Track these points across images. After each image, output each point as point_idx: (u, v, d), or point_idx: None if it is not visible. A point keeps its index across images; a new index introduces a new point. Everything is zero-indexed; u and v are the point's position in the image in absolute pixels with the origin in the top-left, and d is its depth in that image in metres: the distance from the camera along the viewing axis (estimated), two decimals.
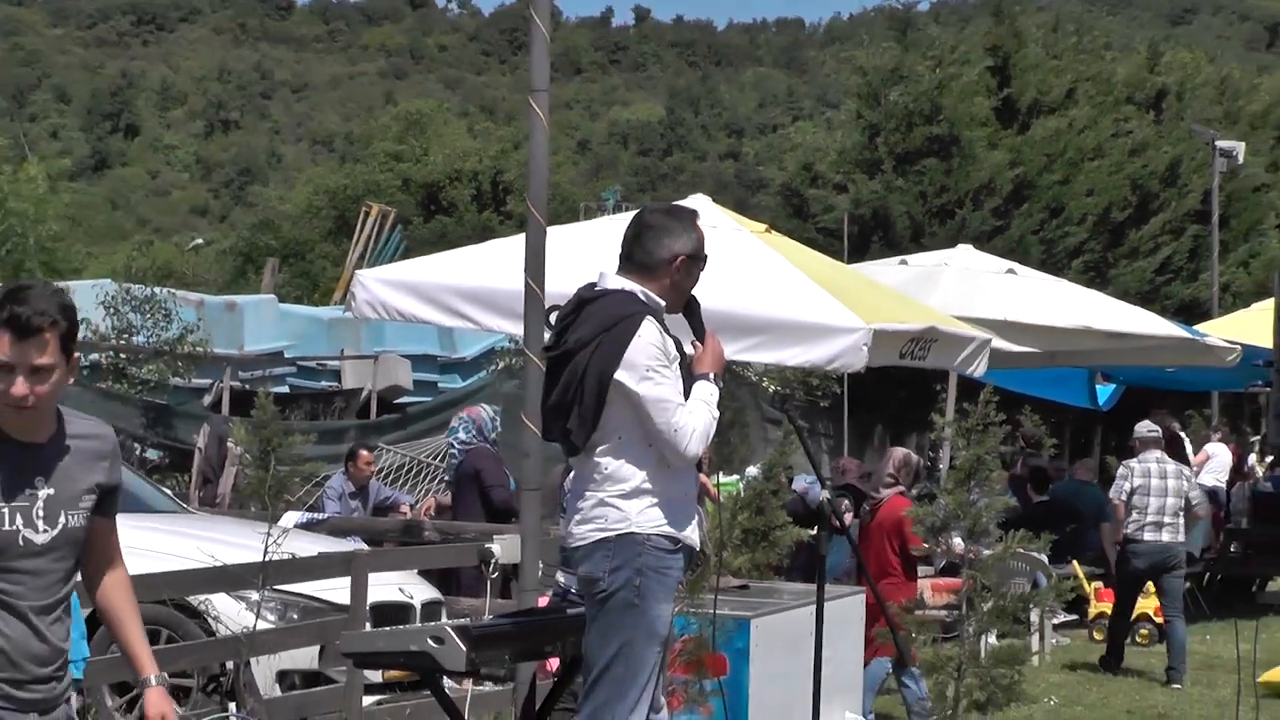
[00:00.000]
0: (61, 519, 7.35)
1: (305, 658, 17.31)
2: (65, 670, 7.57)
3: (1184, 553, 26.66)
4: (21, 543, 7.27)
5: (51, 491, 7.34)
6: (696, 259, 10.01)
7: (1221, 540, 32.08)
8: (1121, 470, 27.04)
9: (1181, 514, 26.18)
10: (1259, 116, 67.02)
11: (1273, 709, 15.42)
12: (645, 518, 9.55)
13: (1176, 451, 32.97)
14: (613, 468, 9.71)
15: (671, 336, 9.75)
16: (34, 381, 7.29)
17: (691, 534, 9.86)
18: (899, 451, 22.26)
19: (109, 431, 7.96)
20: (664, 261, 9.84)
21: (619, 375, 9.61)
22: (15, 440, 7.38)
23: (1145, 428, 27.67)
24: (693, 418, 9.60)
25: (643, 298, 9.78)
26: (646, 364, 9.55)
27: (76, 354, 7.62)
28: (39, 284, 7.54)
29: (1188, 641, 26.07)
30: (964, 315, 24.76)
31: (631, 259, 9.85)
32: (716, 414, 9.72)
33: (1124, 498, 26.30)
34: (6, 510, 7.24)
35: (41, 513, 7.28)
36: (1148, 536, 25.72)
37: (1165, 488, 26.15)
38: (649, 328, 9.65)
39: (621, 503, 9.61)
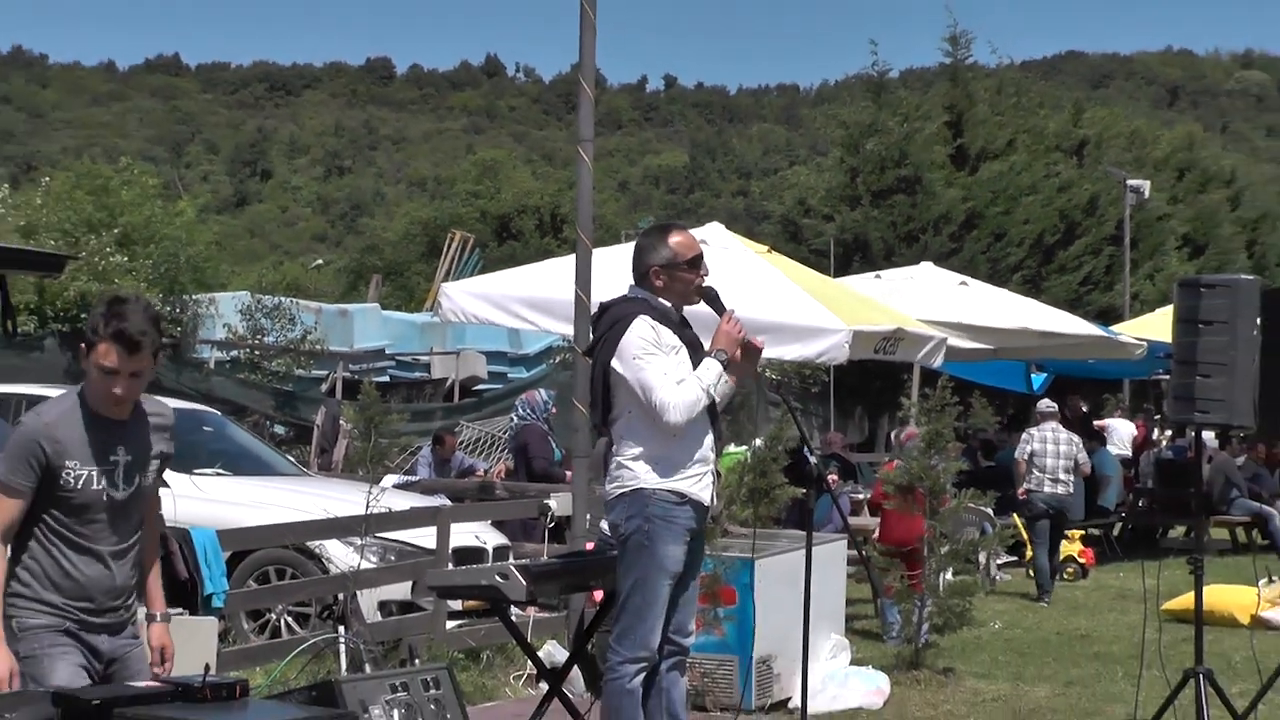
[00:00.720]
0: (136, 479, 7.81)
1: (400, 591, 17.34)
2: (132, 599, 7.90)
3: (1071, 502, 27.14)
4: (105, 499, 7.65)
5: (130, 458, 7.75)
6: (673, 265, 9.93)
7: (1131, 498, 32.13)
8: (1024, 436, 27.49)
9: (1071, 472, 26.71)
10: (1161, 161, 66.81)
11: (1170, 630, 15.42)
12: (651, 477, 9.56)
13: (1086, 426, 33.15)
14: (626, 437, 9.77)
15: (681, 331, 9.79)
16: (131, 384, 7.72)
17: (697, 489, 9.80)
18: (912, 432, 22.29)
19: (170, 410, 8.44)
20: (646, 272, 9.87)
21: (614, 364, 9.67)
22: (104, 417, 7.75)
23: (1044, 405, 28.31)
24: (676, 394, 9.55)
25: (647, 300, 9.83)
26: (634, 353, 9.55)
27: (160, 352, 8.02)
28: (135, 299, 7.84)
29: (1098, 576, 26.34)
30: (925, 319, 24.78)
31: (635, 269, 9.93)
32: (712, 385, 9.63)
33: (1025, 458, 26.79)
34: (95, 472, 7.63)
35: (122, 475, 7.69)
36: (1045, 490, 26.23)
37: (1058, 451, 26.66)
38: (640, 324, 9.65)
39: (633, 464, 9.65)
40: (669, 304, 9.82)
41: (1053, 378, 36.49)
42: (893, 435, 22.92)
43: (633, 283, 9.97)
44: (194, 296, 41.45)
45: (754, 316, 18.70)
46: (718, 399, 9.77)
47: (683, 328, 9.80)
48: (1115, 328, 34.20)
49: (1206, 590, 14.16)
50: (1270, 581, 22.06)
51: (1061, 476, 26.71)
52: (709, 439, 9.86)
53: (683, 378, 9.58)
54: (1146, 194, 57.48)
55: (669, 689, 9.88)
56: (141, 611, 7.97)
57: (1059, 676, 17.89)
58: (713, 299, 9.94)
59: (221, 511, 17.25)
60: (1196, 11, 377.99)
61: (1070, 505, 27.26)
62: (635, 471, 9.72)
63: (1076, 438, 27.58)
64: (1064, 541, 27.13)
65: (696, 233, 11.23)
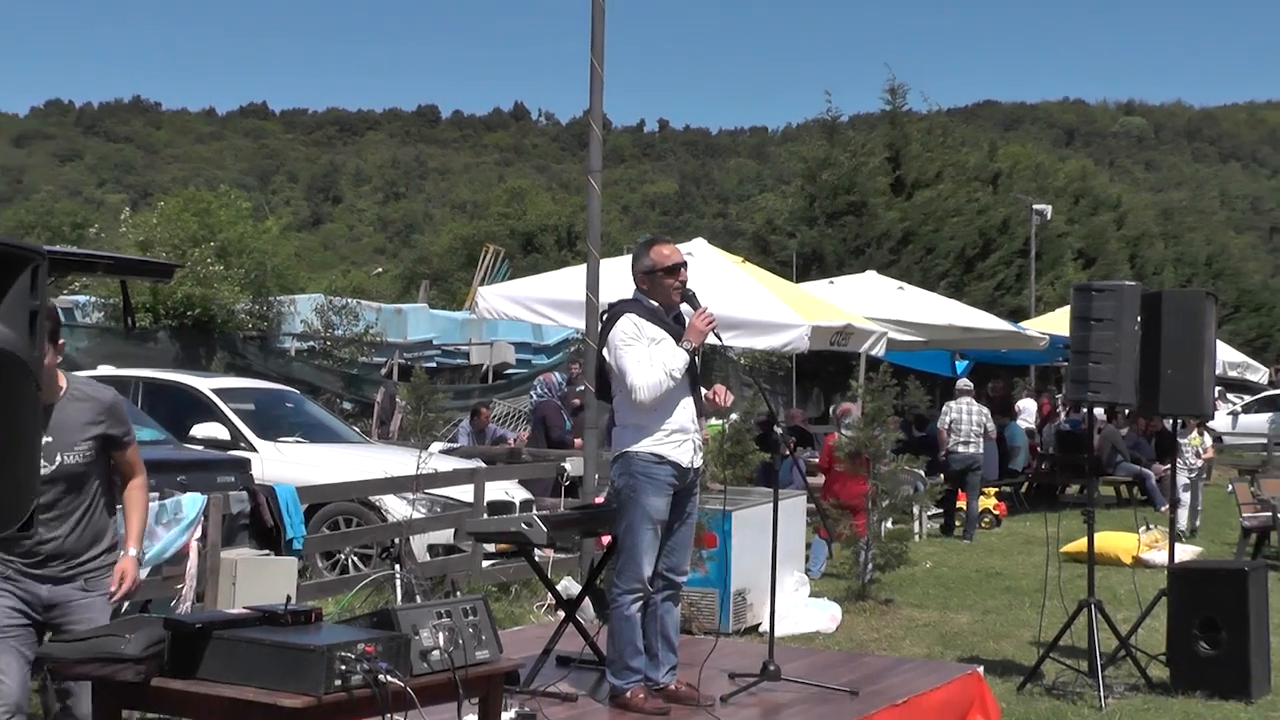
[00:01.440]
0: (58, 459, 7.27)
1: (444, 536, 17.37)
2: (83, 559, 7.48)
3: (983, 460, 27.49)
4: None
5: (50, 439, 7.19)
6: (657, 269, 9.87)
7: (1036, 462, 32.13)
8: (944, 409, 28.13)
9: (980, 437, 27.10)
10: (1060, 189, 66.91)
11: (1067, 568, 15.46)
12: (637, 442, 9.55)
13: (1004, 405, 33.20)
14: (619, 411, 9.78)
15: (664, 324, 9.77)
16: None
17: (675, 453, 9.72)
18: (853, 410, 22.45)
19: (106, 395, 7.74)
20: (635, 277, 9.86)
21: (604, 352, 9.71)
22: None
23: (961, 384, 29.02)
24: (644, 376, 9.51)
25: (637, 300, 9.81)
26: (617, 344, 9.55)
27: (61, 341, 7.60)
28: None
29: (1009, 525, 26.35)
30: (870, 316, 24.79)
31: (633, 275, 9.94)
32: (676, 369, 9.58)
33: (945, 426, 27.20)
34: None
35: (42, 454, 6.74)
36: (960, 450, 26.61)
37: (970, 420, 27.12)
38: (624, 320, 9.66)
39: (623, 433, 9.65)
40: (657, 303, 9.81)
41: (972, 364, 36.55)
42: (832, 410, 22.98)
43: (634, 285, 9.99)
44: (278, 298, 41.44)
45: (731, 314, 18.73)
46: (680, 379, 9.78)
47: (671, 322, 9.78)
48: (1023, 324, 34.34)
49: (1097, 536, 14.16)
50: (1148, 529, 22.06)
51: (973, 439, 27.21)
52: (690, 411, 9.84)
53: (650, 362, 9.59)
54: (1048, 216, 57.52)
55: (663, 616, 9.87)
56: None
57: (978, 606, 17.91)
58: (690, 298, 9.93)
59: (300, 472, 17.25)
60: (1088, 67, 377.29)
61: (981, 462, 27.60)
62: (625, 438, 9.74)
63: (985, 409, 28.01)
64: (981, 497, 27.22)
65: (684, 246, 11.24)
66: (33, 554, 7.21)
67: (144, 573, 12.78)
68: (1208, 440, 25.77)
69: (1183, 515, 24.32)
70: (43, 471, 6.76)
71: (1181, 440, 24.13)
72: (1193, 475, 26.30)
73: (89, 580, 7.19)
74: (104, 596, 7.38)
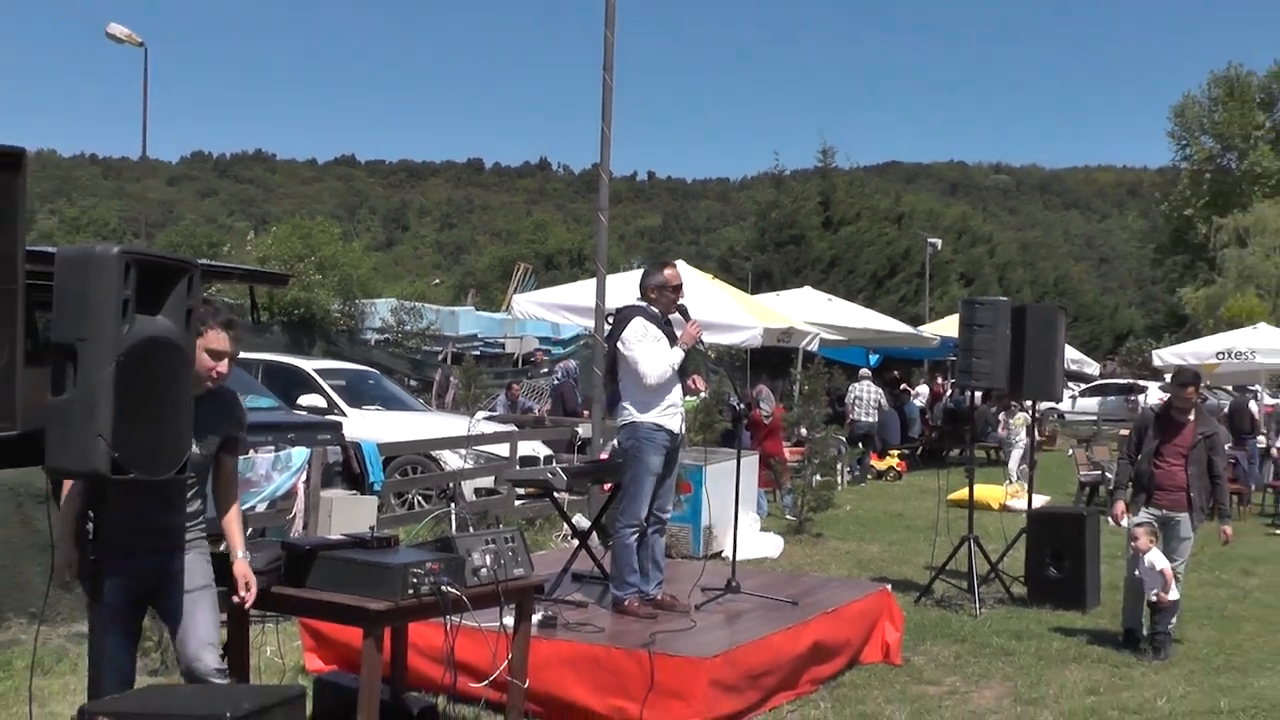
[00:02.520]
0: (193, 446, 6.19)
1: (487, 482, 17.33)
2: (188, 538, 6.48)
3: (876, 427, 28.14)
4: None
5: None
6: (665, 286, 9.87)
7: (927, 431, 32.10)
8: (850, 388, 28.81)
9: (876, 409, 27.95)
10: (947, 227, 66.93)
11: (953, 512, 15.39)
12: (639, 413, 9.54)
13: (901, 391, 33.25)
14: (625, 390, 9.73)
15: (664, 327, 9.76)
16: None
17: (668, 422, 9.73)
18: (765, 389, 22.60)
19: (234, 399, 6.78)
20: (646, 290, 9.81)
21: (618, 346, 9.64)
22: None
23: (862, 372, 29.59)
24: (651, 366, 9.54)
25: (644, 307, 9.77)
26: (632, 340, 9.51)
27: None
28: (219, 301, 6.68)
29: (909, 479, 26.33)
30: (806, 320, 24.86)
31: (640, 288, 9.90)
32: (674, 362, 9.65)
33: (850, 402, 28.10)
34: None
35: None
36: (862, 419, 27.51)
37: (868, 398, 27.96)
38: (636, 322, 9.64)
39: (629, 406, 9.61)
40: (657, 311, 9.79)
41: (882, 357, 36.61)
42: (753, 390, 23.02)
43: (638, 295, 9.95)
44: (361, 301, 41.53)
45: (702, 317, 18.66)
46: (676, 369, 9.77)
47: (665, 326, 9.78)
48: (919, 328, 34.28)
49: (975, 488, 14.16)
50: (1010, 483, 22.08)
51: (871, 411, 27.88)
52: (678, 392, 9.84)
53: (658, 356, 9.58)
54: (938, 247, 57.54)
55: (653, 544, 9.87)
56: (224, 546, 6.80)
57: (885, 539, 17.88)
58: (684, 311, 9.95)
59: (379, 432, 17.22)
60: (968, 136, 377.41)
61: (876, 429, 28.19)
62: (630, 411, 9.70)
63: (879, 389, 28.71)
64: (888, 457, 27.29)
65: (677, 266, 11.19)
66: (151, 532, 6.37)
67: (262, 506, 12.88)
68: (1026, 416, 25.95)
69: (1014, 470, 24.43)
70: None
71: (1010, 418, 24.46)
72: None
73: (189, 546, 6.67)
74: (198, 555, 6.51)
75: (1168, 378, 32.53)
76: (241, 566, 6.57)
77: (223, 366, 6.50)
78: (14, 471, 9.64)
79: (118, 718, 4.94)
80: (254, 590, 6.58)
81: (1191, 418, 11.58)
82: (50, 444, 5.63)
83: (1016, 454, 23.99)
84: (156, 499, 6.28)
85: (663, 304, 9.90)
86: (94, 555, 6.20)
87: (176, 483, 6.32)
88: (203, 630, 6.28)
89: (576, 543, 11.18)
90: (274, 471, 12.92)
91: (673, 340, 9.79)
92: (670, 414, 9.83)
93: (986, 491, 20.95)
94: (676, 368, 9.81)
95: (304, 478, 13.05)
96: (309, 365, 20.43)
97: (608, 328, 10.45)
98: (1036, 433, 18.98)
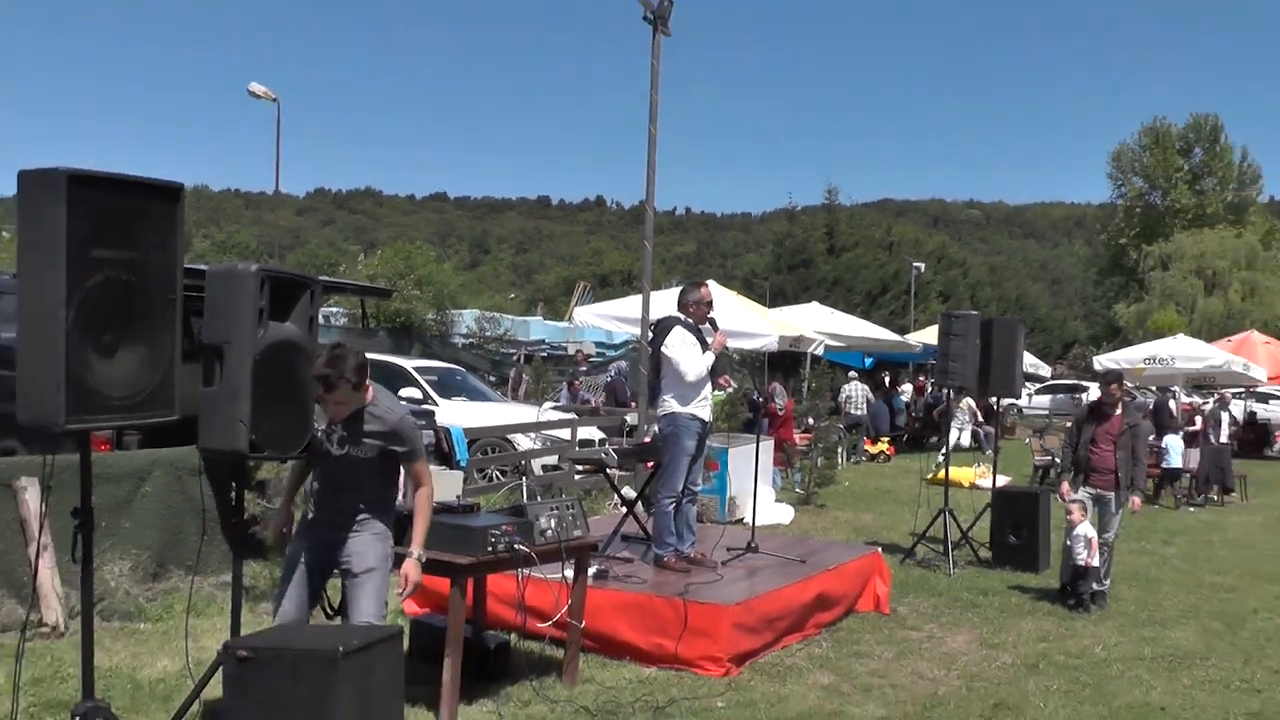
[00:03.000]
0: (349, 448, 6.26)
1: (552, 460, 17.33)
2: (360, 518, 6.37)
3: (866, 419, 27.70)
4: (323, 451, 6.27)
5: (345, 433, 6.26)
6: (700, 302, 9.84)
7: (911, 422, 31.90)
8: (841, 388, 28.01)
9: (866, 403, 27.62)
10: (929, 254, 66.48)
11: (931, 489, 15.30)
12: (678, 405, 9.53)
13: (890, 387, 33.06)
14: (666, 385, 9.70)
15: (698, 335, 9.74)
16: (336, 408, 6.22)
17: (701, 411, 9.71)
18: (779, 386, 22.53)
19: (397, 417, 6.41)
20: (686, 305, 9.78)
21: (664, 349, 9.60)
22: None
23: (851, 374, 29.39)
24: (692, 366, 9.53)
25: (682, 319, 9.74)
26: (675, 344, 9.50)
27: (367, 384, 6.32)
28: (346, 351, 6.25)
29: (896, 461, 26.22)
30: (815, 329, 24.72)
31: (679, 303, 9.87)
32: (709, 364, 9.66)
33: (843, 399, 27.39)
34: (322, 434, 6.26)
35: (344, 441, 6.27)
36: (852, 413, 26.93)
37: (859, 395, 27.67)
38: (678, 329, 9.62)
39: (669, 398, 9.59)
40: (692, 322, 9.78)
41: (875, 360, 36.35)
42: (769, 386, 22.94)
43: (676, 308, 9.92)
44: (450, 311, 41.57)
45: (728, 326, 18.66)
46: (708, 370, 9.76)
47: (699, 335, 9.76)
48: (906, 336, 34.10)
49: (950, 470, 14.10)
50: (979, 465, 21.95)
51: (860, 405, 27.56)
52: (708, 388, 9.84)
53: (696, 359, 9.57)
54: (921, 270, 57.33)
55: (686, 512, 9.86)
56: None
57: (876, 509, 17.80)
58: (713, 322, 9.94)
59: (464, 418, 17.23)
60: (948, 177, 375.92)
61: (869, 420, 27.88)
62: (670, 403, 9.68)
63: (866, 386, 28.71)
64: (879, 442, 27.19)
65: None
66: (331, 508, 6.38)
67: None
68: (971, 402, 25.31)
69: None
70: (335, 451, 6.32)
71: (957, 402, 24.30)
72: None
73: (359, 527, 6.53)
74: (373, 537, 6.34)
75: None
76: (408, 566, 6.34)
77: (329, 409, 6.28)
78: (174, 449, 9.71)
79: (252, 650, 4.96)
80: (409, 586, 6.34)
81: (1119, 411, 11.68)
82: (201, 427, 5.71)
83: (955, 427, 23.78)
84: (333, 483, 6.32)
85: (697, 316, 9.88)
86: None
87: (347, 470, 6.30)
88: (363, 609, 6.21)
89: (625, 510, 11.18)
90: None
91: (705, 346, 9.78)
92: (702, 405, 9.83)
93: (959, 472, 20.83)
94: (709, 368, 9.84)
95: None
96: (408, 364, 20.46)
97: (651, 335, 10.42)
98: (1000, 424, 18.95)
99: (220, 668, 5.46)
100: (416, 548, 6.38)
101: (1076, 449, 11.75)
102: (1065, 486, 11.73)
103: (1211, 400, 27.40)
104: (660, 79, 15.15)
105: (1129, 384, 34.29)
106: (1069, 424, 12.83)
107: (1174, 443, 21.12)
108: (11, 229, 33.97)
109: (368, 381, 6.34)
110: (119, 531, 9.35)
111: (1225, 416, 22.94)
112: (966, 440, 24.58)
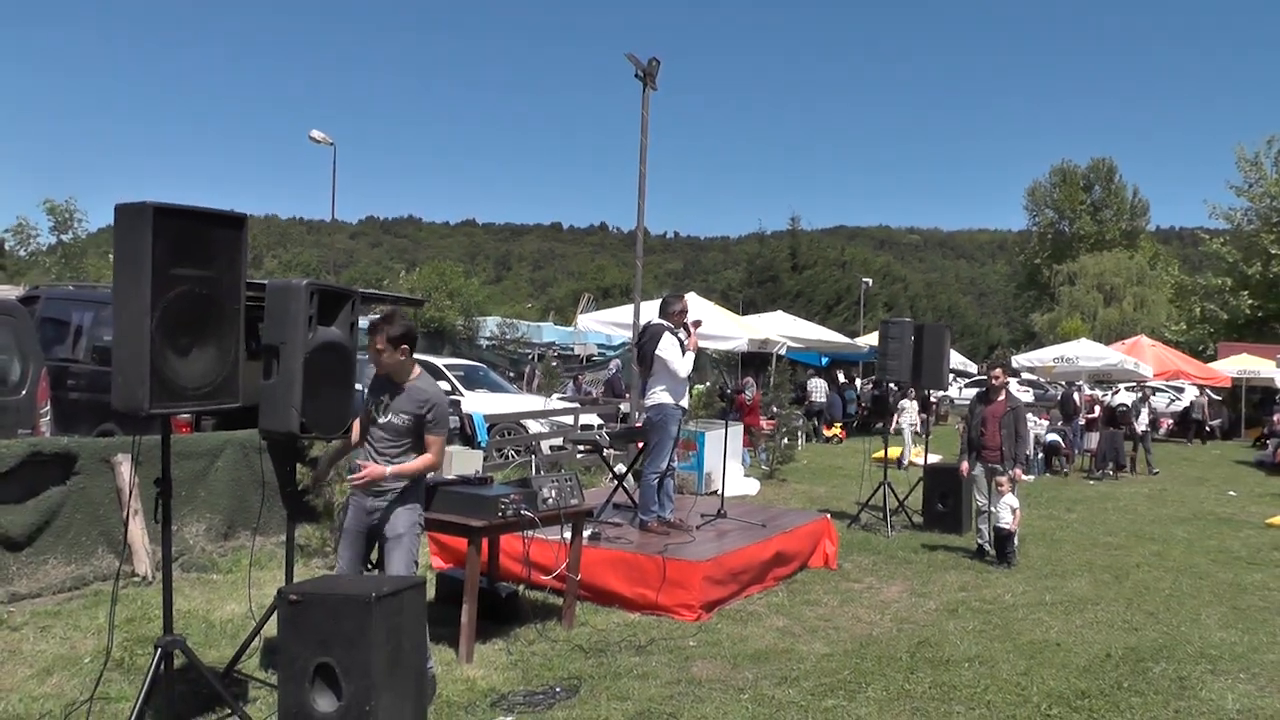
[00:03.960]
0: (391, 416, 6.03)
1: (557, 441, 17.32)
2: (394, 486, 6.14)
3: (825, 406, 27.65)
4: (375, 421, 6.12)
5: (389, 401, 6.09)
6: (680, 312, 9.82)
7: (860, 411, 31.85)
8: (808, 381, 28.35)
9: (825, 394, 27.61)
10: (874, 272, 66.44)
11: (873, 467, 15.30)
12: (664, 396, 9.53)
13: (843, 382, 33.01)
14: (657, 379, 9.71)
15: (678, 337, 9.75)
16: (377, 356, 6.08)
17: (683, 402, 9.70)
18: (749, 380, 22.44)
19: (431, 395, 6.14)
20: (670, 313, 9.77)
21: (658, 352, 9.58)
22: (392, 380, 6.11)
23: (810, 371, 29.56)
24: (681, 366, 9.51)
25: (668, 325, 9.75)
26: (665, 347, 9.46)
27: (404, 345, 6.05)
28: (399, 315, 6.05)
29: (848, 444, 26.18)
30: (779, 334, 24.70)
31: (662, 311, 9.87)
32: (690, 362, 9.64)
33: (809, 389, 27.63)
34: (375, 406, 6.13)
35: (386, 410, 6.09)
36: (815, 400, 27.12)
37: (820, 388, 27.75)
38: (666, 335, 9.54)
39: (657, 389, 9.60)
40: (675, 327, 9.79)
41: (831, 359, 36.28)
42: (741, 380, 22.91)
43: (659, 315, 9.92)
44: (476, 318, 41.56)
45: (708, 330, 18.69)
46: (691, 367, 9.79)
47: (679, 338, 9.77)
48: (856, 339, 34.06)
49: (890, 449, 14.11)
50: (916, 446, 21.99)
51: (821, 396, 27.61)
52: (687, 382, 9.86)
53: (684, 359, 9.61)
54: (869, 285, 57.27)
55: (668, 485, 9.88)
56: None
57: (829, 483, 17.77)
58: (688, 329, 9.94)
59: (485, 406, 17.26)
60: (892, 205, 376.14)
61: (825, 408, 27.78)
62: (657, 395, 9.67)
63: (824, 381, 28.64)
64: (834, 427, 27.20)
65: (688, 297, 11.17)
66: (374, 483, 6.16)
67: None
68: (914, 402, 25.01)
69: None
70: (379, 419, 6.16)
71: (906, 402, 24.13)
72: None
73: (394, 496, 6.45)
74: (404, 508, 6.21)
75: (1023, 375, 32.69)
76: (371, 467, 6.07)
77: (381, 360, 6.08)
78: (242, 432, 9.77)
79: (302, 595, 5.03)
80: (366, 476, 6.05)
81: (1002, 396, 11.67)
82: (261, 412, 5.81)
83: (906, 421, 23.53)
84: (375, 451, 6.19)
85: (677, 322, 9.90)
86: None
87: (386, 439, 6.14)
88: (395, 566, 6.12)
89: (616, 483, 11.22)
90: None
91: (684, 348, 9.81)
92: (683, 395, 9.86)
93: (896, 450, 20.88)
94: (691, 365, 9.88)
95: None
96: (439, 361, 20.47)
97: (639, 338, 10.42)
98: (933, 412, 18.95)
99: (276, 610, 5.54)
100: (394, 469, 6.09)
101: (970, 430, 11.76)
102: (964, 465, 11.77)
103: (1111, 393, 27.58)
104: (650, 125, 15.19)
105: (1036, 376, 34.36)
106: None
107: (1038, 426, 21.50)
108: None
109: (414, 359, 6.19)
110: (196, 499, 9.41)
111: (1145, 409, 23.38)
112: (914, 428, 24.42)
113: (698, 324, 10.19)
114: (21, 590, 7.97)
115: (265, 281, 6.32)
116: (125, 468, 8.65)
